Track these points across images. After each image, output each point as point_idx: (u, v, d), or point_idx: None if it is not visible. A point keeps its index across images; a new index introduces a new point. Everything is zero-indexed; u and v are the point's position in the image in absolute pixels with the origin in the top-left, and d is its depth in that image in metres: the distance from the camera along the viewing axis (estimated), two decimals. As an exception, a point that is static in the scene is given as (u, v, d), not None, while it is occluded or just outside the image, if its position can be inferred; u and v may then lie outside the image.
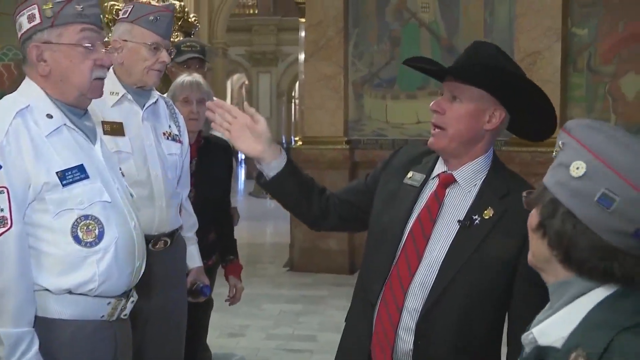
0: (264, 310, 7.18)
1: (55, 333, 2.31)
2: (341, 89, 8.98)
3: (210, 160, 4.06)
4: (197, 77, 4.05)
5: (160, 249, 3.18)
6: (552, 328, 1.43)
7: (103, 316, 2.40)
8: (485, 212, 2.20)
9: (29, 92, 2.38)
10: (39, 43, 2.36)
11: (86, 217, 2.31)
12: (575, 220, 1.38)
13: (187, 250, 3.46)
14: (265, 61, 27.26)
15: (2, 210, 2.22)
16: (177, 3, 7.48)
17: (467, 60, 2.25)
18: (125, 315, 2.49)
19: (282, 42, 26.67)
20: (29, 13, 2.38)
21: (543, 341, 1.43)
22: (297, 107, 27.14)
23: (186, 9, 8.01)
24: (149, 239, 3.00)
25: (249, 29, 26.73)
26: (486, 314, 2.19)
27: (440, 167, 2.33)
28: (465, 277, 2.15)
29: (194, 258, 3.53)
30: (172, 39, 3.49)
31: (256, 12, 27.38)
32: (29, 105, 2.32)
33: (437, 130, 2.26)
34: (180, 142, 3.32)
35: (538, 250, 1.48)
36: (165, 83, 4.25)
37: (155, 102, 3.25)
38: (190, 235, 3.53)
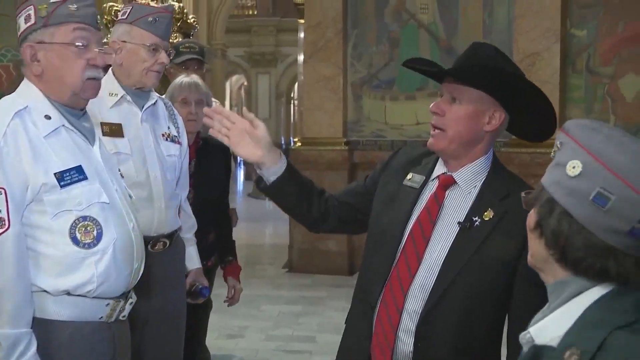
0: (263, 312, 7.17)
1: (54, 334, 2.31)
2: (340, 90, 8.98)
3: (209, 161, 4.06)
4: (195, 78, 4.04)
5: (159, 250, 3.18)
6: (548, 327, 1.43)
7: (101, 317, 2.39)
8: (485, 213, 2.19)
9: (28, 93, 2.38)
10: (33, 43, 2.36)
11: (84, 218, 2.31)
12: (571, 220, 1.39)
13: (186, 251, 3.46)
14: (264, 62, 27.27)
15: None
16: (176, 4, 7.47)
17: (466, 62, 2.25)
18: (123, 316, 2.49)
19: (281, 43, 26.68)
20: (26, 14, 2.38)
21: (540, 340, 1.44)
22: (296, 108, 27.10)
23: (185, 10, 8.00)
24: (147, 240, 2.99)
25: (248, 30, 26.73)
26: (486, 316, 2.19)
27: (440, 169, 2.33)
28: (465, 278, 2.15)
29: (192, 259, 3.53)
30: (171, 40, 3.49)
31: (255, 13, 27.38)
32: (27, 106, 2.32)
33: (436, 131, 2.26)
34: (179, 143, 3.32)
35: (536, 250, 1.49)
36: (163, 84, 4.25)
37: (154, 103, 3.25)
38: (189, 236, 3.53)
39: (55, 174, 2.27)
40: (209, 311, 4.84)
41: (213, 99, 5.33)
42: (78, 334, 2.34)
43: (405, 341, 2.19)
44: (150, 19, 3.12)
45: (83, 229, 2.30)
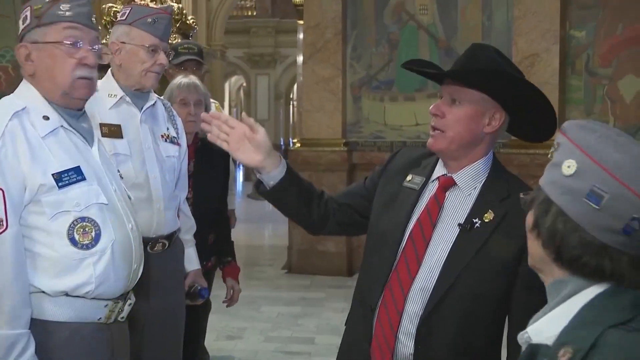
0: (262, 313, 7.16)
1: (52, 335, 2.30)
2: (339, 91, 8.97)
3: (208, 162, 4.05)
4: (193, 78, 4.04)
5: (158, 251, 3.18)
6: (545, 326, 1.44)
7: (100, 319, 2.39)
8: (486, 215, 2.19)
9: (27, 94, 2.38)
10: (27, 43, 2.37)
11: (83, 219, 2.31)
12: (567, 219, 1.40)
13: (185, 252, 3.46)
14: (264, 63, 27.25)
15: None
16: (175, 5, 7.48)
17: (466, 63, 2.24)
18: (122, 317, 2.49)
19: (281, 44, 26.66)
20: (24, 15, 2.40)
21: (536, 339, 1.44)
22: (295, 109, 27.10)
23: (184, 11, 8.01)
24: (146, 242, 2.99)
25: (247, 31, 26.70)
26: (486, 318, 2.19)
27: (440, 170, 2.32)
28: (465, 280, 2.14)
29: (191, 261, 3.53)
30: (170, 41, 3.48)
31: (254, 14, 27.34)
32: (25, 107, 2.32)
33: (436, 131, 2.26)
34: (178, 144, 3.32)
35: (534, 250, 1.49)
36: (162, 85, 4.25)
37: (154, 104, 3.25)
38: (188, 237, 3.53)
39: (53, 174, 2.27)
40: (208, 312, 4.85)
41: (212, 100, 5.34)
42: (76, 335, 2.33)
43: (406, 343, 2.18)
44: (149, 20, 3.12)
45: (81, 230, 2.30)
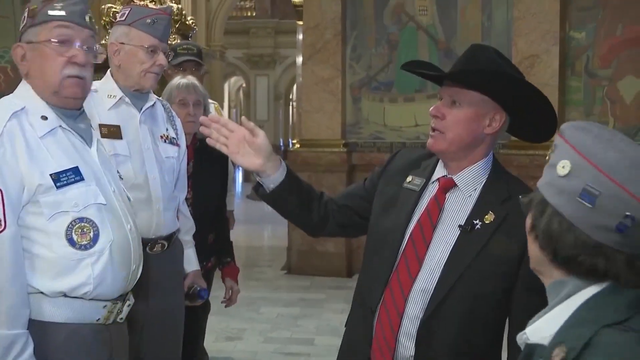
0: (262, 314, 7.16)
1: (50, 336, 2.30)
2: (339, 92, 8.97)
3: (207, 162, 4.05)
4: (191, 79, 4.04)
5: (158, 252, 3.17)
6: (543, 327, 1.45)
7: (98, 320, 2.38)
8: (486, 216, 2.18)
9: (25, 94, 2.38)
10: (22, 43, 2.37)
11: (81, 219, 2.30)
12: (562, 219, 1.41)
13: (185, 253, 3.46)
14: (263, 64, 27.23)
15: None
16: (175, 6, 7.47)
17: (466, 64, 2.23)
18: (121, 319, 2.48)
19: (280, 44, 26.66)
20: (23, 16, 2.39)
21: (533, 339, 1.46)
22: (294, 109, 27.10)
23: (183, 12, 7.99)
24: (146, 242, 2.99)
25: (247, 32, 26.69)
26: (487, 319, 2.18)
27: (440, 171, 2.31)
28: (466, 282, 2.14)
29: (191, 261, 3.53)
30: (169, 42, 3.48)
31: (254, 14, 27.34)
32: (24, 107, 2.32)
33: (435, 132, 2.25)
34: (177, 145, 3.32)
35: (533, 252, 1.50)
36: (161, 86, 4.24)
37: (153, 105, 3.24)
38: (187, 238, 3.53)
39: (51, 175, 2.27)
40: (207, 313, 4.84)
41: (211, 101, 5.34)
42: (74, 336, 2.33)
43: (406, 345, 2.18)
44: (148, 20, 3.11)
45: (79, 230, 2.30)
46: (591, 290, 1.41)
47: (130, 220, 2.46)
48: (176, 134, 3.34)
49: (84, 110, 2.49)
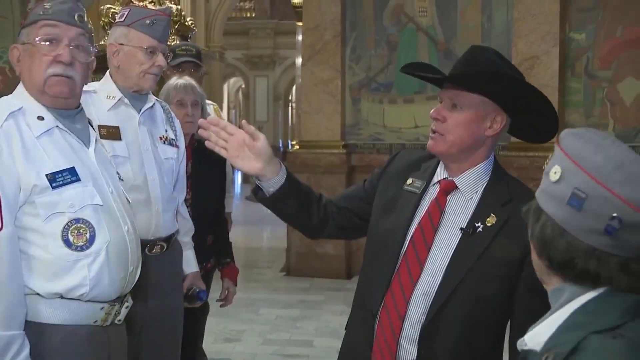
0: (261, 315, 7.15)
1: (46, 338, 2.29)
2: (338, 93, 8.97)
3: (206, 163, 4.04)
4: (188, 79, 4.04)
5: (157, 253, 3.16)
6: (539, 333, 1.46)
7: (96, 321, 2.37)
8: (488, 219, 2.17)
9: (23, 94, 2.38)
10: (17, 44, 2.37)
11: (77, 220, 2.29)
12: (554, 224, 1.42)
13: (184, 255, 3.45)
14: (262, 65, 27.25)
15: None
16: (174, 7, 7.47)
17: (465, 67, 2.22)
18: (119, 320, 2.47)
19: (279, 45, 26.67)
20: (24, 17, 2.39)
21: (530, 345, 1.46)
22: (294, 110, 27.10)
23: (183, 13, 8.00)
24: (145, 244, 2.99)
25: (246, 33, 26.71)
26: (489, 322, 2.17)
27: (440, 174, 2.30)
28: (468, 285, 2.13)
29: (190, 263, 3.53)
30: (168, 43, 3.47)
31: (253, 15, 27.35)
32: (21, 107, 2.32)
33: (436, 134, 2.23)
34: (176, 146, 3.31)
35: (534, 260, 1.52)
36: (160, 86, 4.24)
37: (152, 106, 3.23)
38: (186, 240, 3.52)
39: (46, 175, 2.26)
40: (206, 315, 4.83)
41: (210, 102, 5.33)
42: (71, 338, 2.32)
43: (408, 349, 2.16)
44: (147, 21, 3.10)
45: (75, 231, 2.29)
46: (588, 296, 1.42)
47: (128, 222, 2.45)
48: (175, 135, 3.33)
49: (81, 110, 2.48)
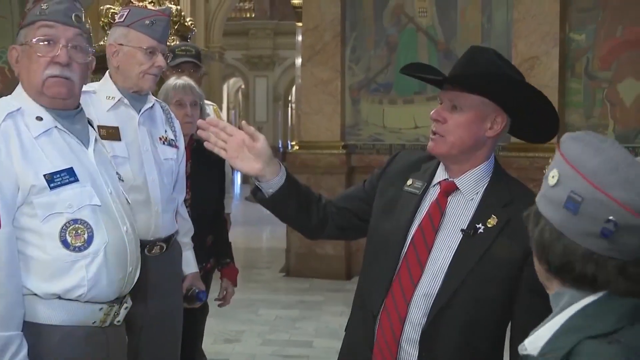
0: (260, 316, 7.15)
1: (44, 338, 2.28)
2: (338, 94, 8.96)
3: (205, 163, 4.03)
4: (187, 79, 4.03)
5: (156, 254, 3.16)
6: (539, 337, 1.45)
7: (95, 322, 2.36)
8: (489, 220, 2.16)
9: (22, 95, 2.37)
10: (16, 45, 2.37)
11: (75, 221, 2.28)
12: (551, 228, 1.42)
13: (183, 255, 3.45)
14: (262, 65, 27.24)
15: None
16: (174, 7, 7.46)
17: (465, 67, 2.21)
18: (118, 321, 2.46)
19: (279, 46, 26.67)
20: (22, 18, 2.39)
21: (530, 349, 1.46)
22: (293, 111, 27.11)
23: (182, 13, 7.99)
24: (144, 244, 2.98)
25: (246, 33, 26.71)
26: (490, 323, 2.17)
27: (441, 175, 2.29)
28: (469, 286, 2.12)
29: (189, 263, 3.52)
30: (168, 43, 3.47)
31: (253, 16, 27.35)
32: (20, 107, 2.31)
33: (436, 135, 2.23)
34: (176, 147, 3.30)
35: (536, 265, 1.52)
36: (159, 87, 4.24)
37: (152, 106, 3.23)
38: (186, 240, 3.51)
39: (44, 175, 2.25)
40: (206, 315, 4.82)
41: (210, 103, 5.33)
42: (69, 339, 2.31)
43: (409, 351, 2.16)
44: (147, 22, 3.10)
45: (74, 232, 2.28)
46: (586, 300, 1.41)
47: (127, 222, 2.44)
48: (175, 135, 3.33)
49: (81, 110, 2.47)
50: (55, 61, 2.32)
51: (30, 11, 2.35)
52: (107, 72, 3.20)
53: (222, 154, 2.27)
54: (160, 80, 3.54)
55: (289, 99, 29.28)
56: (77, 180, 2.31)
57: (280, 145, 26.57)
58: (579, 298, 1.42)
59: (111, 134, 3.05)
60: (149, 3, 7.19)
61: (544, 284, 1.52)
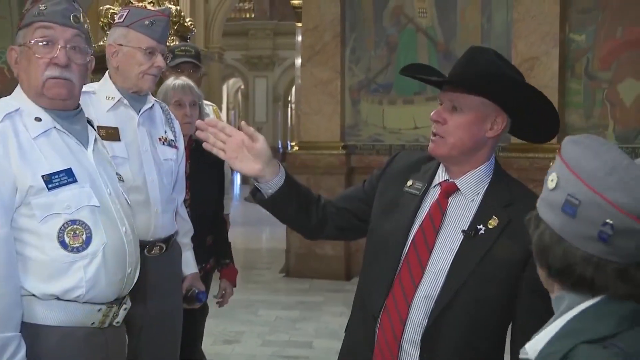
0: (260, 317, 7.15)
1: (42, 339, 2.27)
2: (338, 94, 8.96)
3: (204, 163, 4.03)
4: (185, 79, 4.03)
5: (156, 255, 3.15)
6: (538, 342, 1.45)
7: (93, 323, 2.36)
8: (490, 221, 2.15)
9: (22, 96, 2.37)
10: (15, 46, 2.36)
11: (73, 222, 2.28)
12: (551, 232, 1.42)
13: (183, 256, 3.44)
14: (262, 65, 27.25)
15: None
16: (173, 7, 7.46)
17: (465, 68, 2.20)
18: (117, 322, 2.46)
19: (279, 46, 26.69)
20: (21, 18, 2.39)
21: (530, 353, 1.45)
22: (293, 111, 27.12)
23: (182, 13, 7.98)
24: (144, 245, 2.98)
25: (245, 33, 26.73)
26: (492, 323, 2.16)
27: (441, 175, 2.29)
28: (471, 287, 2.11)
29: (189, 264, 3.51)
30: (167, 43, 3.46)
31: (252, 16, 27.36)
32: (19, 108, 2.31)
33: (437, 137, 2.22)
34: (175, 147, 3.30)
35: (538, 269, 1.51)
36: (158, 87, 4.23)
37: (151, 107, 3.22)
38: (185, 241, 3.51)
39: (43, 176, 2.25)
40: (205, 316, 4.81)
41: (210, 103, 5.32)
42: (67, 339, 2.30)
43: (410, 352, 2.15)
44: (147, 22, 3.09)
45: (72, 232, 2.27)
46: (586, 304, 1.41)
47: (126, 223, 2.44)
48: (174, 136, 3.32)
49: (80, 111, 2.47)
50: (53, 62, 2.31)
51: (29, 12, 2.34)
52: (107, 72, 3.20)
53: (221, 154, 2.26)
54: (160, 80, 3.53)
55: (289, 99, 29.29)
56: (75, 181, 2.30)
57: (280, 146, 26.58)
58: (578, 302, 1.41)
59: (111, 134, 3.05)
60: (149, 3, 7.18)
61: (547, 287, 1.51)
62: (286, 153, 11.60)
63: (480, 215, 2.17)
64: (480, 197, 2.21)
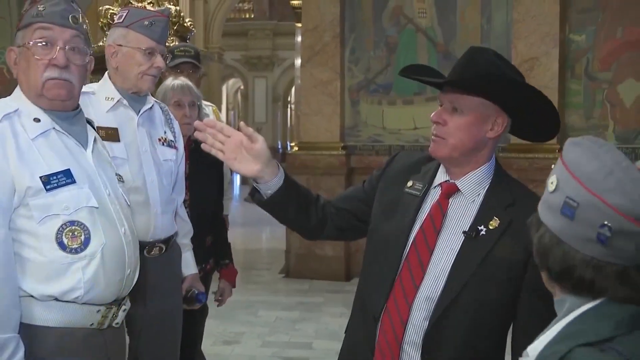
0: (260, 317, 7.14)
1: (41, 340, 2.26)
2: (337, 95, 8.96)
3: (203, 163, 4.02)
4: (184, 79, 4.02)
5: (155, 255, 3.15)
6: (539, 345, 1.45)
7: (92, 324, 2.35)
8: (491, 222, 2.15)
9: (21, 96, 2.36)
10: (14, 47, 2.36)
11: (72, 222, 2.27)
12: (551, 234, 1.42)
13: (182, 257, 3.43)
14: (261, 66, 27.25)
15: None
16: (173, 8, 7.45)
17: (465, 68, 2.19)
18: (117, 323, 2.45)
19: (278, 46, 26.68)
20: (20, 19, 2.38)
21: (531, 357, 1.45)
22: (293, 112, 27.10)
23: (182, 14, 7.97)
24: (143, 246, 2.98)
25: (245, 34, 26.73)
26: (492, 325, 2.16)
27: (442, 176, 2.28)
28: (472, 288, 2.10)
29: (189, 265, 3.51)
30: (167, 44, 3.45)
31: (252, 16, 27.36)
32: (17, 109, 2.30)
33: (437, 138, 2.21)
34: (175, 148, 3.29)
35: (541, 272, 1.52)
36: (157, 87, 4.22)
37: (151, 107, 3.22)
38: (185, 241, 3.50)
39: (41, 177, 2.24)
40: (205, 317, 4.81)
41: (209, 103, 5.31)
42: (66, 341, 2.30)
43: (411, 353, 2.14)
44: (146, 22, 3.09)
45: (70, 233, 2.27)
46: (586, 307, 1.41)
47: (125, 224, 2.43)
48: (174, 136, 3.32)
49: (80, 111, 2.46)
50: (53, 63, 2.31)
51: (27, 13, 2.33)
52: (106, 73, 3.19)
53: (220, 155, 2.25)
54: (159, 80, 3.52)
55: (288, 99, 29.27)
56: (74, 181, 2.29)
57: (279, 146, 26.58)
58: (579, 305, 1.42)
59: (110, 135, 3.04)
60: (148, 4, 7.18)
61: (550, 290, 1.51)
62: (286, 153, 11.60)
63: (481, 216, 2.17)
64: (481, 197, 2.21)
